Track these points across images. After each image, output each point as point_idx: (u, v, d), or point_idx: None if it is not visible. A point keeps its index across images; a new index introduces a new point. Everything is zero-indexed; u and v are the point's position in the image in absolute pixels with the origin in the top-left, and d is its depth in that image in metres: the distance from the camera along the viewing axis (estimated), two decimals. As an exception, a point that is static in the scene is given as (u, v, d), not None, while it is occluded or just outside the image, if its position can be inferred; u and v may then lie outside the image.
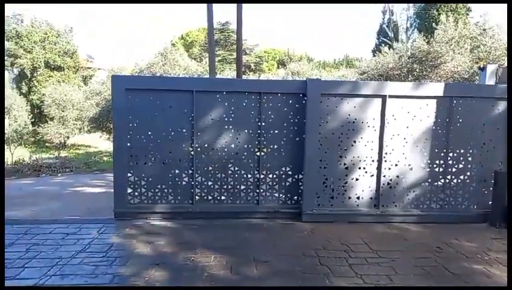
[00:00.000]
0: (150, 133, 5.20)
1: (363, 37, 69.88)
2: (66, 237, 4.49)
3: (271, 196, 5.41)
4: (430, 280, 3.55)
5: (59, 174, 11.09)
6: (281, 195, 5.41)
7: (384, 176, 5.31)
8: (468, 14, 21.91)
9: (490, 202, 5.32)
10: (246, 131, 5.31)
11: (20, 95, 19.58)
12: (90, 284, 3.34)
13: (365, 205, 5.35)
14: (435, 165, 5.35)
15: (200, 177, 5.33)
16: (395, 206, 5.36)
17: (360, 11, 70.79)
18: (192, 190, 5.29)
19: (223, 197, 5.36)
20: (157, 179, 5.27)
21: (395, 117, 5.24)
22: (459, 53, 12.46)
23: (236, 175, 5.35)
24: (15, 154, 13.53)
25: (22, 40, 22.47)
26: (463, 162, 5.38)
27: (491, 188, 5.31)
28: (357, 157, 5.29)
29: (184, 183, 5.31)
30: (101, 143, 19.19)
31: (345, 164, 5.30)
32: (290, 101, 5.30)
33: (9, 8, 23.69)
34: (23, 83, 22.95)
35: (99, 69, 27.00)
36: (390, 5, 26.94)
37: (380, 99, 5.22)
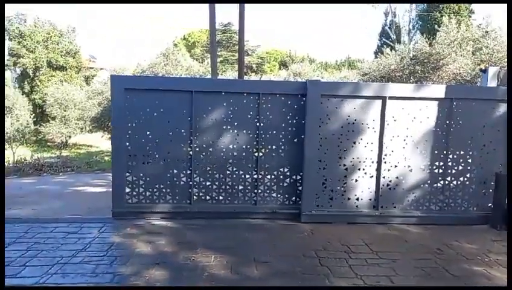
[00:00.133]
0: (148, 133, 5.22)
1: (363, 37, 69.84)
2: (67, 236, 4.52)
3: (269, 196, 5.42)
4: (430, 281, 3.56)
5: (60, 174, 11.13)
6: (279, 196, 5.42)
7: (383, 177, 5.31)
8: (470, 16, 21.89)
9: (490, 204, 5.32)
10: (245, 131, 5.32)
11: (22, 95, 19.54)
12: (90, 283, 3.37)
13: (365, 206, 5.35)
14: (434, 167, 5.35)
15: (198, 177, 5.35)
16: (395, 207, 5.36)
17: (360, 11, 70.70)
18: (190, 190, 5.31)
19: (220, 197, 5.37)
20: (155, 179, 5.28)
21: (395, 118, 5.25)
22: (461, 55, 12.43)
23: (234, 175, 5.36)
24: (17, 153, 13.56)
25: (24, 40, 22.50)
26: (463, 164, 5.38)
27: (491, 190, 5.31)
28: (356, 158, 5.30)
29: (182, 183, 5.33)
30: (103, 143, 19.21)
31: (344, 165, 5.30)
32: (289, 102, 5.30)
33: (12, 8, 23.78)
34: (26, 83, 22.97)
35: (101, 69, 27.06)
36: (393, 7, 26.93)
37: (380, 101, 5.22)
